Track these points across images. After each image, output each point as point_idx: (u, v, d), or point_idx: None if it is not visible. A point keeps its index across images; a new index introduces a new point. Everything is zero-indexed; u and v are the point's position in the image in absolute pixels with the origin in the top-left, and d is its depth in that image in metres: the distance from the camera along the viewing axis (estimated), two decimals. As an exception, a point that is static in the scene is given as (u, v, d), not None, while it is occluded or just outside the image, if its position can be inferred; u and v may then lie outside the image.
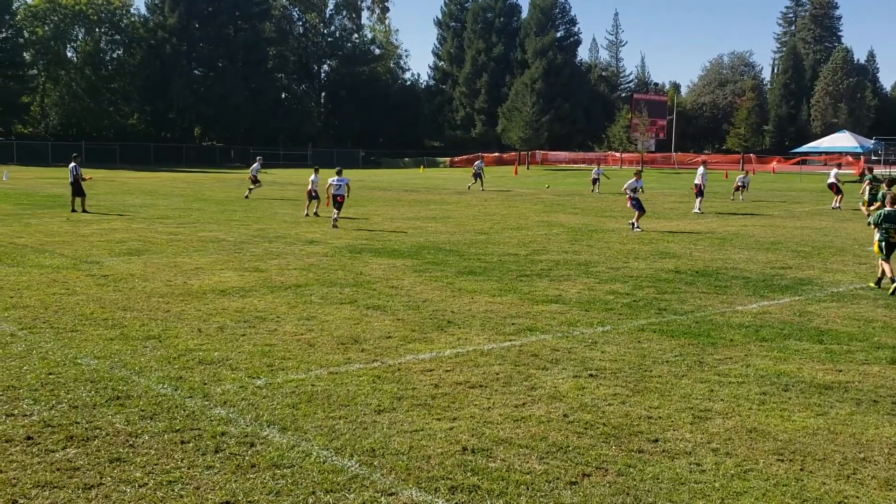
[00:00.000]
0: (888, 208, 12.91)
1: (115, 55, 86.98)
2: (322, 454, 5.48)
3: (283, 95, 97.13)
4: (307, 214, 23.75)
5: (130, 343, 8.41)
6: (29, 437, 5.69)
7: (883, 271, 12.58)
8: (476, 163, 43.84)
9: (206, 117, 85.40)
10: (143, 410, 6.30)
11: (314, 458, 5.41)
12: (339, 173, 22.00)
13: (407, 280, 12.83)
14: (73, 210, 24.18)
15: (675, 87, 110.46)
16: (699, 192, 27.87)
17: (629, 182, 21.83)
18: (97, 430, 5.85)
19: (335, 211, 21.14)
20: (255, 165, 33.57)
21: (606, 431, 6.06)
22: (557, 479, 5.19)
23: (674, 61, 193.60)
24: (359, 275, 13.27)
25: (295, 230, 20.03)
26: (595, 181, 40.33)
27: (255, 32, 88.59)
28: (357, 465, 5.31)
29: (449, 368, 7.70)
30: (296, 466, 5.27)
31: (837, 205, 29.86)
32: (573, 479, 5.18)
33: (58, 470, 5.15)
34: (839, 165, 37.02)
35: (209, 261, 14.52)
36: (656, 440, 5.90)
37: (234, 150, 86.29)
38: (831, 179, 31.50)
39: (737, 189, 34.73)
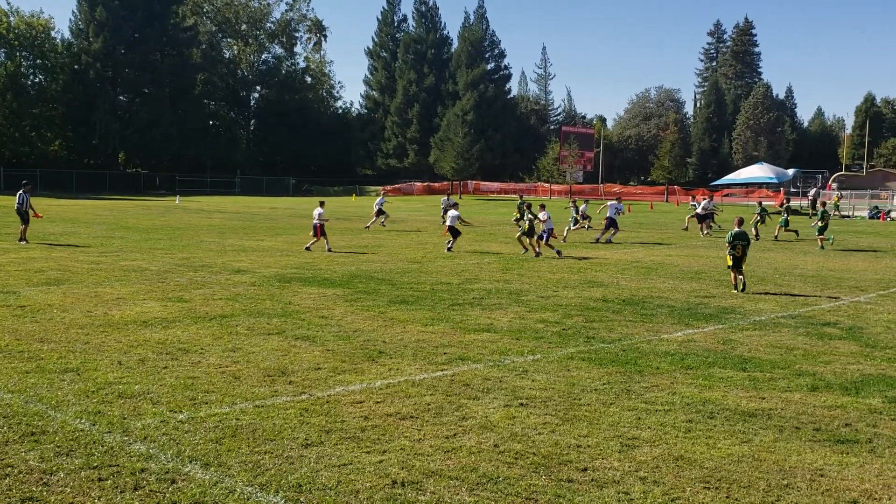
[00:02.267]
0: (736, 229, 16.11)
1: (36, 80, 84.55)
2: (246, 490, 5.32)
3: (210, 122, 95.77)
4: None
5: (47, 376, 8.08)
6: (-69, 479, 5.38)
7: (735, 280, 15.95)
8: (377, 199, 35.75)
9: (130, 143, 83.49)
10: (58, 446, 6.03)
11: (238, 494, 5.25)
12: (321, 205, 23.98)
13: (338, 309, 12.69)
14: (23, 240, 22.81)
15: (602, 120, 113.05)
16: (610, 224, 27.83)
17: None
18: (9, 468, 5.57)
19: (323, 238, 22.73)
20: (379, 199, 34.60)
21: (536, 461, 6.05)
22: (488, 510, 5.14)
23: (600, 94, 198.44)
24: (287, 304, 13.07)
25: (221, 259, 19.66)
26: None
27: (183, 59, 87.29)
28: (283, 502, 5.17)
29: (379, 399, 7.61)
30: (219, 503, 5.10)
31: (706, 232, 32.44)
32: (503, 511, 5.14)
33: (-37, 512, 4.88)
34: (711, 198, 41.03)
35: (131, 290, 14.11)
36: (585, 469, 5.92)
37: (158, 178, 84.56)
38: (699, 210, 34.09)
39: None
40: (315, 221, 23.17)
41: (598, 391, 8.10)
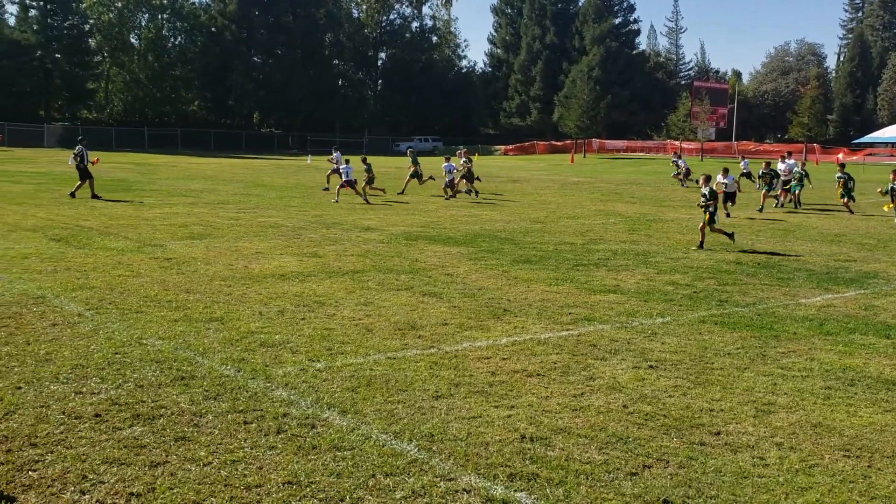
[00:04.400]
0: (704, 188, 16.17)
1: (176, 42, 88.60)
2: (381, 437, 5.53)
3: (339, 82, 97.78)
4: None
5: (194, 325, 8.59)
6: (97, 415, 5.85)
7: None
8: (454, 162, 28.46)
9: (264, 104, 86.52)
10: (206, 391, 6.43)
11: (374, 441, 5.47)
12: (447, 160, 27.92)
13: (462, 268, 12.84)
14: (73, 195, 22.93)
15: (737, 74, 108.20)
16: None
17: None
18: (163, 409, 6.00)
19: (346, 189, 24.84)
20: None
21: (667, 423, 5.99)
22: (617, 469, 5.15)
23: (734, 49, 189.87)
24: (414, 262, 13.33)
25: (352, 217, 20.20)
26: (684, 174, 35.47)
27: (313, 20, 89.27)
28: (416, 450, 5.35)
29: (506, 356, 7.69)
30: (356, 449, 5.33)
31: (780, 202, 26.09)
32: (633, 471, 5.14)
33: (125, 447, 5.29)
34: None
35: (269, 246, 14.73)
36: (718, 433, 5.82)
37: (291, 137, 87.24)
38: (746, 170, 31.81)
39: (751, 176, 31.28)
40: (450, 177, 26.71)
41: (731, 356, 7.90)
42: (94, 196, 22.93)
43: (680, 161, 36.71)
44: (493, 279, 11.87)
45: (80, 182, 23.39)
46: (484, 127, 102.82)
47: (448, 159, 28.42)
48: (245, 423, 5.76)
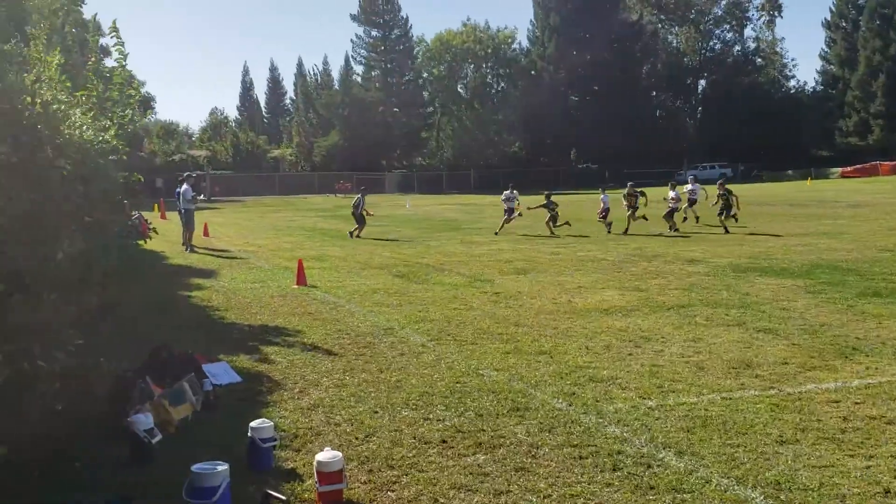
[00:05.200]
0: None
1: (499, 88, 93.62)
2: (723, 482, 5.29)
3: (657, 113, 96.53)
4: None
5: (524, 357, 8.90)
6: (444, 441, 6.27)
7: None
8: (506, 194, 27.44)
9: (581, 140, 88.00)
10: (541, 422, 6.62)
11: (714, 485, 5.25)
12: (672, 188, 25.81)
13: (800, 301, 11.94)
14: (351, 235, 25.48)
15: None
16: None
17: None
18: (502, 439, 6.27)
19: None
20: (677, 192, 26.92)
21: None
22: None
23: None
24: (745, 295, 12.65)
25: (673, 249, 19.71)
26: None
27: (629, 54, 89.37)
28: (762, 498, 5.04)
29: (858, 400, 6.99)
30: (696, 492, 5.15)
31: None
32: None
33: (470, 474, 5.60)
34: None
35: (590, 280, 14.86)
36: None
37: (608, 171, 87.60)
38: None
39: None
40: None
41: None
42: (355, 235, 25.56)
43: None
44: (837, 314, 10.87)
45: (357, 225, 26.09)
46: (816, 149, 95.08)
47: (673, 187, 26.28)
48: (580, 457, 5.83)
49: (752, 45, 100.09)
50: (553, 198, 26.39)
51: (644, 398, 7.23)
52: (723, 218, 24.02)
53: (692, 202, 26.72)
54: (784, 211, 33.17)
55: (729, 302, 12.09)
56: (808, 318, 10.73)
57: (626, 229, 24.62)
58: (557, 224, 25.58)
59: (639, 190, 25.52)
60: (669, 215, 25.06)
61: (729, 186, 25.04)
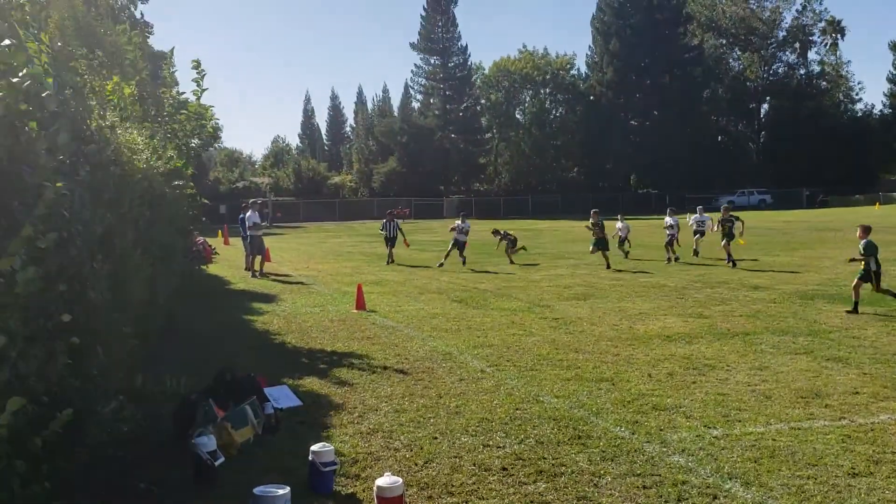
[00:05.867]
0: None
1: (557, 113, 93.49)
2: (792, 515, 5.12)
3: (718, 138, 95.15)
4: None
5: (585, 384, 8.79)
6: (504, 469, 6.21)
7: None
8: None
9: (641, 165, 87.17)
10: (603, 451, 6.51)
11: (783, 518, 5.08)
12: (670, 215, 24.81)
13: (870, 329, 11.58)
14: (390, 262, 25.52)
15: None
16: None
17: None
18: (563, 467, 6.18)
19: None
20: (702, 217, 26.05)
21: None
22: None
23: None
24: (813, 323, 12.32)
25: (737, 276, 19.31)
26: None
27: (689, 78, 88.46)
28: (834, 533, 4.86)
29: (936, 433, 6.72)
30: (764, 525, 5.00)
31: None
32: None
33: (531, 502, 5.53)
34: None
35: (652, 306, 14.64)
36: None
37: (668, 196, 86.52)
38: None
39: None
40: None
41: None
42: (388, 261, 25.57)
43: None
44: (911, 344, 10.50)
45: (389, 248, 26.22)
46: (885, 172, 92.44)
47: (671, 213, 24.87)
48: (644, 486, 5.71)
49: (817, 69, 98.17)
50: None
51: (709, 427, 7.06)
52: (724, 244, 22.30)
53: (700, 233, 24.79)
54: (852, 236, 32.21)
55: (796, 329, 11.78)
56: (880, 346, 10.40)
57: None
58: (514, 249, 25.62)
59: (734, 215, 23.38)
60: (669, 244, 24.16)
61: (734, 213, 23.36)
